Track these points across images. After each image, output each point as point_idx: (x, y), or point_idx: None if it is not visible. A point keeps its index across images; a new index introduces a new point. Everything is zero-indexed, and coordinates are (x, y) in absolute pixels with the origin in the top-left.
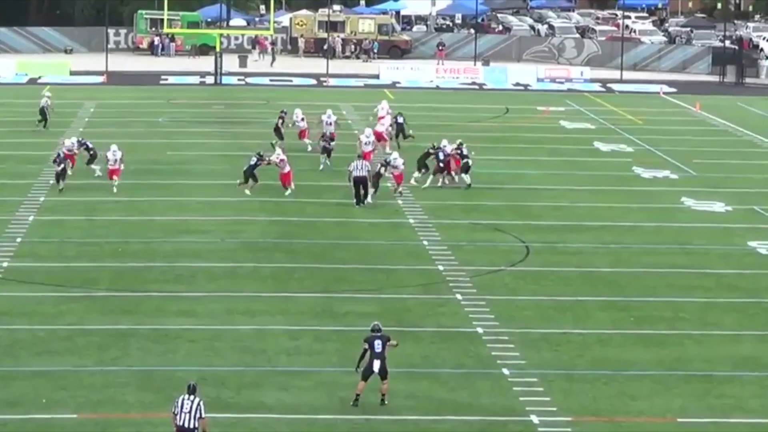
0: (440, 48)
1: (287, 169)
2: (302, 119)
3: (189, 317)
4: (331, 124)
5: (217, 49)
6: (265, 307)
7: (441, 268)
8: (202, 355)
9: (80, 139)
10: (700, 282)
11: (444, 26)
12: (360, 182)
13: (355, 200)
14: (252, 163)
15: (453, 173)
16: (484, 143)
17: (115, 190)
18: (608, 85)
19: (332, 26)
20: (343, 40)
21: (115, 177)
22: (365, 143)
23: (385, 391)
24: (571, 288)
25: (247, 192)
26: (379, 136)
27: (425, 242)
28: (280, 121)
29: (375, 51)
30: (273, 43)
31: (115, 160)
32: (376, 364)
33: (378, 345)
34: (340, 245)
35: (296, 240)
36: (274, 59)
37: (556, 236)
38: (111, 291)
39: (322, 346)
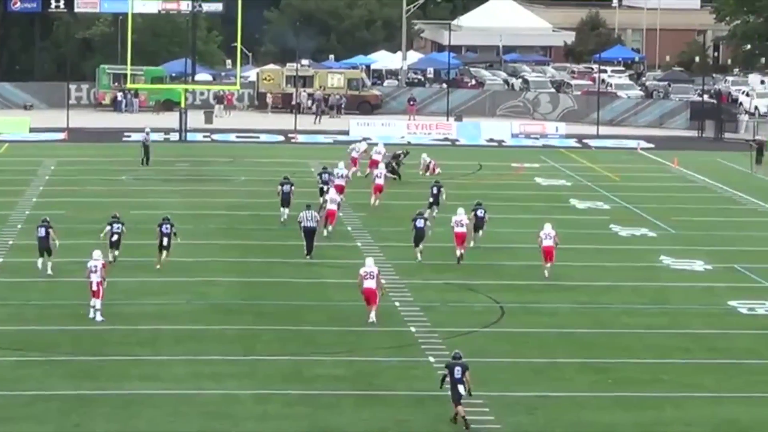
0: (411, 103)
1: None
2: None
3: (153, 381)
4: (343, 177)
5: (182, 105)
6: (231, 371)
7: (413, 329)
8: (166, 421)
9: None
10: (680, 343)
11: (415, 81)
12: (310, 233)
13: (306, 251)
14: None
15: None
16: (457, 201)
17: (99, 317)
18: (584, 140)
19: (300, 81)
20: (309, 95)
21: (95, 299)
22: (339, 175)
23: (464, 415)
24: (547, 350)
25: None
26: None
27: (397, 303)
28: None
29: (342, 106)
30: (317, 101)
31: (96, 268)
32: (461, 388)
33: (458, 371)
34: (309, 306)
35: (264, 301)
36: (319, 117)
37: (532, 296)
38: (72, 355)
39: (291, 410)
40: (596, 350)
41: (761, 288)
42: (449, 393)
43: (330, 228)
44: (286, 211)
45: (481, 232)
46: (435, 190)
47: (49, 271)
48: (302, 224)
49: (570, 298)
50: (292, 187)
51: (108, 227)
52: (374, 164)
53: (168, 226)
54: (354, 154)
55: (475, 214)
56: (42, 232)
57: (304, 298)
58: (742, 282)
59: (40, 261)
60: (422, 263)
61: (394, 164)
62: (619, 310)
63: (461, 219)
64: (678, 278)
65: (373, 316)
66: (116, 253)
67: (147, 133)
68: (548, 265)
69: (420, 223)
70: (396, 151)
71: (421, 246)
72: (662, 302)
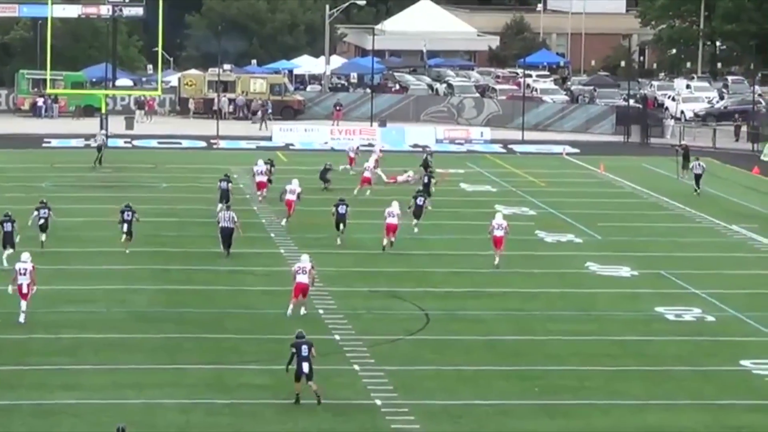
0: (338, 108)
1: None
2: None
3: (73, 391)
4: (263, 173)
5: (103, 111)
6: (153, 380)
7: (337, 337)
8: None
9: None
10: (606, 349)
11: (339, 86)
12: (227, 234)
13: (223, 248)
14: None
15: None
16: (380, 207)
17: (22, 318)
18: (509, 146)
19: (222, 86)
20: (231, 100)
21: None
22: (259, 172)
23: (317, 390)
24: (473, 357)
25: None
26: (365, 180)
27: (321, 311)
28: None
29: (269, 111)
30: (264, 107)
31: (25, 270)
32: (305, 366)
33: (304, 349)
34: (232, 314)
35: (186, 309)
36: (263, 123)
37: (457, 303)
38: None
39: (214, 420)
40: (522, 357)
41: (688, 294)
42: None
43: (285, 221)
44: (222, 206)
45: (419, 219)
46: (426, 180)
47: (5, 264)
48: (219, 224)
49: (496, 305)
50: (230, 185)
51: (35, 212)
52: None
53: (129, 212)
54: (351, 154)
55: (415, 203)
56: (8, 227)
57: (226, 306)
58: (669, 288)
59: (5, 254)
60: (348, 270)
61: (426, 170)
62: (545, 316)
63: (393, 210)
64: (604, 284)
65: (303, 310)
66: (43, 237)
67: (105, 137)
68: (498, 252)
69: (342, 209)
70: (427, 157)
71: (342, 228)
72: (589, 309)
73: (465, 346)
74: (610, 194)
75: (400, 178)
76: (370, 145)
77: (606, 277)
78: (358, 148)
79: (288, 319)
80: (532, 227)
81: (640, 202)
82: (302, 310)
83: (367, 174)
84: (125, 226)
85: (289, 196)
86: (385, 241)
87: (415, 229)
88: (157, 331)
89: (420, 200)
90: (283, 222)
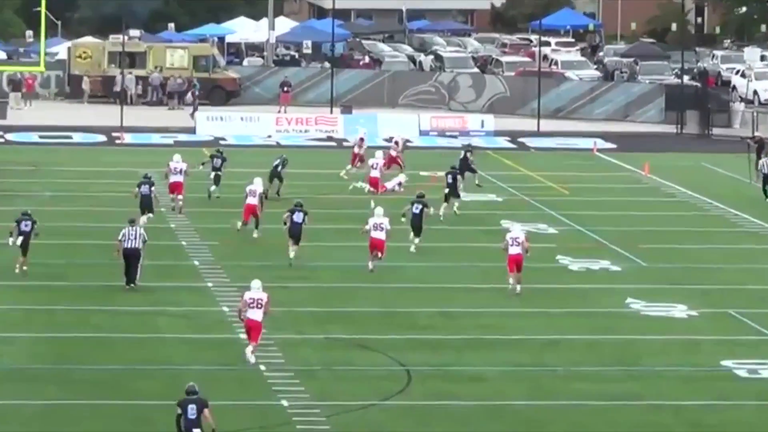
0: (285, 89)
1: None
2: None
3: None
4: (180, 172)
5: None
6: None
7: (285, 403)
8: None
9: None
10: (655, 418)
11: (287, 58)
12: (132, 255)
13: (125, 280)
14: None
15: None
16: (346, 224)
17: None
18: (520, 139)
19: (129, 59)
20: (141, 78)
21: None
22: (176, 170)
23: None
24: (472, 428)
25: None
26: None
27: (262, 366)
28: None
29: (197, 95)
30: (194, 87)
31: None
32: None
33: (191, 410)
34: (142, 372)
35: (77, 365)
36: (195, 109)
37: (449, 356)
38: None
39: None
40: (539, 428)
41: (765, 342)
42: None
43: (255, 229)
44: (145, 218)
45: (417, 235)
46: (450, 179)
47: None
48: (123, 244)
49: (502, 357)
50: (153, 188)
51: None
52: (392, 161)
53: (28, 222)
54: (356, 149)
55: (412, 211)
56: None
57: (133, 361)
58: (739, 333)
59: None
60: (300, 311)
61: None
62: (569, 373)
63: (380, 222)
64: (651, 328)
65: (249, 354)
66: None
67: None
68: (514, 278)
69: (298, 217)
70: (466, 154)
71: (296, 246)
72: (630, 363)
73: (461, 413)
74: (657, 205)
75: (388, 185)
76: (330, 138)
77: (653, 319)
78: (362, 139)
79: (217, 379)
80: (552, 251)
81: (699, 215)
82: (250, 357)
83: (374, 174)
84: (20, 239)
85: (250, 200)
86: (371, 265)
87: (412, 248)
88: (37, 395)
89: (417, 207)
90: (238, 224)
